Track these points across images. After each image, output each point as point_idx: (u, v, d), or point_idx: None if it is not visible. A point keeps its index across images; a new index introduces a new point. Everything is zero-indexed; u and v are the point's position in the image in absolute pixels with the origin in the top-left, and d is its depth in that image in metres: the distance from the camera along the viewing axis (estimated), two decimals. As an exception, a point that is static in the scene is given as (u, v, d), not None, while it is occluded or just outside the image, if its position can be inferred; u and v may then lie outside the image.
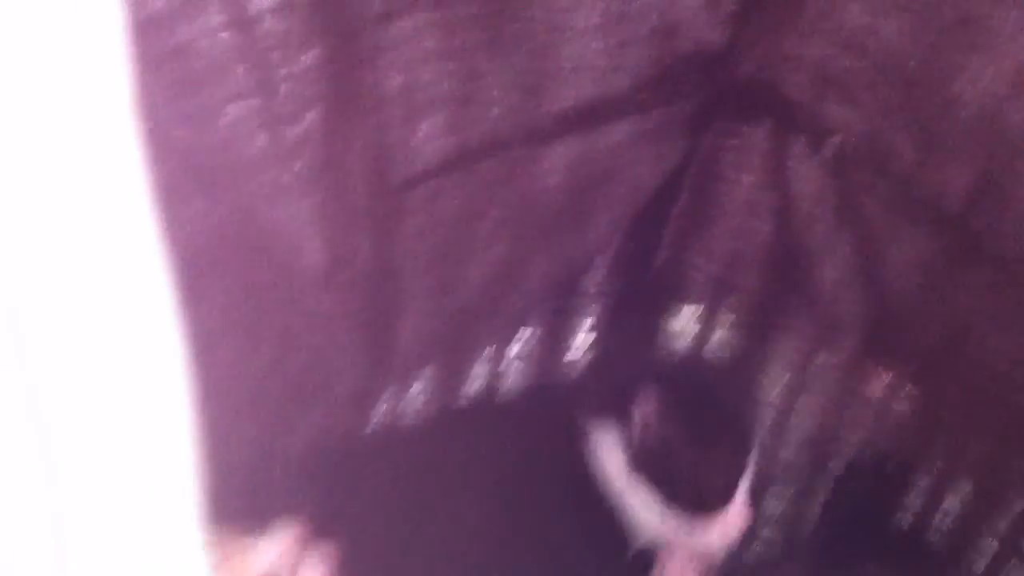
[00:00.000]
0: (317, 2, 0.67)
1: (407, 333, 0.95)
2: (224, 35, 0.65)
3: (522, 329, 1.09)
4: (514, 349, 1.11)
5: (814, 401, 1.14)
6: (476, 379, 1.06)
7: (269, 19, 0.66)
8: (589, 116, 0.84)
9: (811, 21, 0.80)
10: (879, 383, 1.09)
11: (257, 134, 0.73)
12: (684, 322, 1.17)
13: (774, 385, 1.17)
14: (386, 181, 0.82)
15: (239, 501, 0.84)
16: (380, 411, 0.99)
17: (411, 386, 1.03)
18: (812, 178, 0.96)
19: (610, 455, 0.87)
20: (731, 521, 0.83)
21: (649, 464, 0.85)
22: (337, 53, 0.71)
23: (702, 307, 1.13)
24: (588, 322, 1.12)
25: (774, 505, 1.12)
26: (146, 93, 0.45)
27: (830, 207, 0.98)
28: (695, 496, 0.83)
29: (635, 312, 1.14)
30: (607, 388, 0.91)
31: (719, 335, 1.17)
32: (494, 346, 1.06)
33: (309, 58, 0.70)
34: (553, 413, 0.93)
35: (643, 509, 0.86)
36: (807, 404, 1.15)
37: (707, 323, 1.15)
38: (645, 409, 0.84)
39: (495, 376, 1.06)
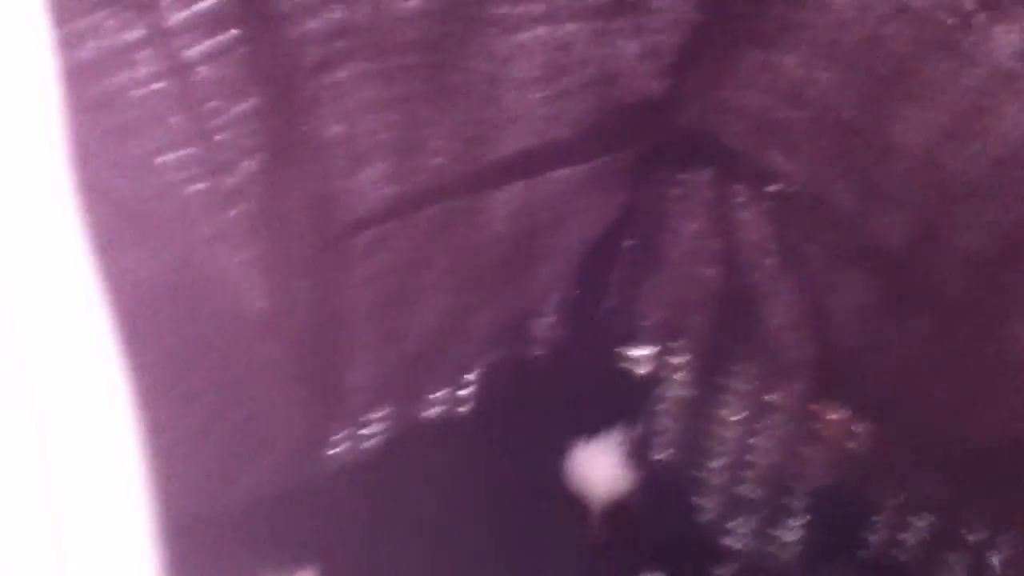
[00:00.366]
0: (252, 51, 0.67)
1: (355, 381, 0.95)
2: (157, 84, 0.65)
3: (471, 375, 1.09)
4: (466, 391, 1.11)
5: (769, 440, 1.15)
6: (432, 410, 1.07)
7: (203, 68, 0.66)
8: (531, 165, 0.85)
9: (749, 73, 0.81)
10: (832, 422, 1.11)
11: (194, 182, 0.72)
12: (635, 363, 1.18)
13: (729, 424, 1.18)
14: (328, 229, 0.81)
15: (193, 550, 0.83)
16: (332, 453, 0.99)
17: (362, 428, 1.03)
18: (755, 225, 0.97)
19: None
20: None
21: None
22: (274, 102, 0.71)
23: (653, 349, 1.14)
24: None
25: (733, 541, 1.13)
26: (80, 142, 0.45)
27: (774, 253, 0.99)
28: None
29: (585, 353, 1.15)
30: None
31: (672, 375, 1.18)
32: (445, 389, 1.06)
33: (245, 107, 0.70)
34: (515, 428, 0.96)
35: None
36: (763, 442, 1.16)
37: (659, 364, 1.16)
38: None
39: (453, 403, 1.07)
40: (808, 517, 1.11)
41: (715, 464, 1.18)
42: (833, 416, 1.10)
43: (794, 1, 0.78)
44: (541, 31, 0.76)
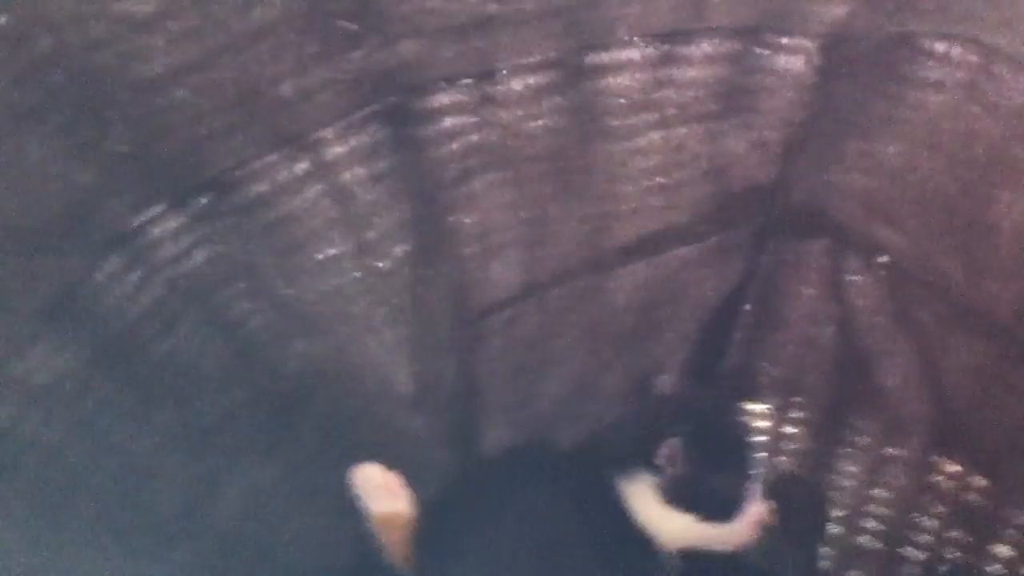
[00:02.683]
0: (401, 171, 0.77)
1: (489, 442, 1.03)
2: (321, 206, 0.75)
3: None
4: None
5: (885, 492, 1.18)
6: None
7: (359, 189, 0.76)
8: (650, 247, 0.92)
9: (852, 159, 0.87)
10: (946, 475, 1.13)
11: (351, 272, 0.82)
12: (755, 417, 1.23)
13: (846, 477, 1.22)
14: (466, 313, 0.91)
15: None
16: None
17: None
18: (868, 292, 1.02)
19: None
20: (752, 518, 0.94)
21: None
22: (419, 210, 0.80)
23: (771, 405, 1.19)
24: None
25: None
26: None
27: (887, 318, 1.03)
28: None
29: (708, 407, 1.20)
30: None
31: (790, 430, 1.22)
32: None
33: (395, 215, 0.80)
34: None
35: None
36: (879, 495, 1.19)
37: (778, 419, 1.20)
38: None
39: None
40: (925, 567, 1.14)
41: (835, 514, 1.23)
42: (950, 470, 1.13)
43: (894, 99, 0.83)
44: (655, 135, 0.83)
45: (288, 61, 0.57)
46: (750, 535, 0.98)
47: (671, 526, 0.97)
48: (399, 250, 0.82)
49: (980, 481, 1.11)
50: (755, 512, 0.98)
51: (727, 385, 1.18)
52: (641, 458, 1.00)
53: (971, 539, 1.12)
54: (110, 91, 0.52)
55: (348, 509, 0.92)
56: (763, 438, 1.24)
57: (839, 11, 0.71)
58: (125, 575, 0.78)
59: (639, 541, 1.00)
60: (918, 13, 0.72)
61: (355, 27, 0.57)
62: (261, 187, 0.71)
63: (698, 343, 1.13)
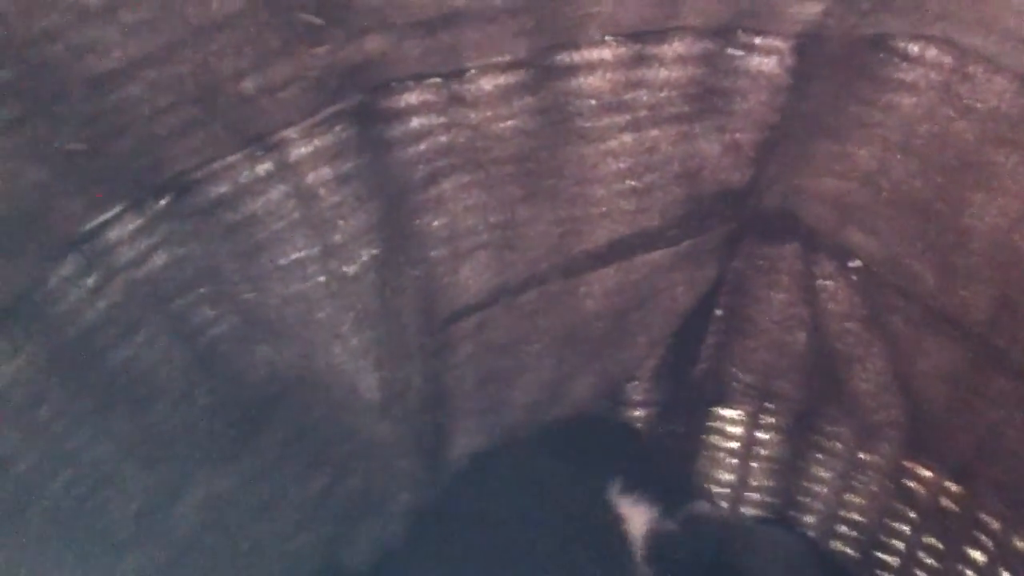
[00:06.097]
0: (368, 172, 0.75)
1: (457, 449, 1.02)
2: (285, 208, 0.73)
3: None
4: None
5: (858, 498, 1.18)
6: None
7: (324, 190, 0.74)
8: (622, 251, 0.91)
9: (825, 162, 0.86)
10: (921, 482, 1.13)
11: (316, 276, 0.80)
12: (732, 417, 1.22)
13: (819, 483, 1.22)
14: (435, 318, 0.89)
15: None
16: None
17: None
18: (840, 297, 1.01)
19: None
20: None
21: None
22: (387, 212, 0.79)
23: (744, 411, 1.19)
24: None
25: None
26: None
27: (859, 322, 1.03)
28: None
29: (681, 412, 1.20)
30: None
31: (763, 436, 1.22)
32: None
33: (362, 218, 0.78)
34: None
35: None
36: (853, 500, 1.19)
37: (751, 425, 1.20)
38: None
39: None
40: (900, 573, 1.14)
41: (808, 520, 1.22)
42: (923, 475, 1.13)
43: (867, 101, 0.82)
44: (627, 137, 0.82)
45: (249, 56, 0.55)
46: None
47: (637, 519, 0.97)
48: (366, 254, 0.80)
49: (954, 487, 1.11)
50: None
51: (699, 391, 1.18)
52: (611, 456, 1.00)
53: (946, 545, 1.12)
54: (61, 86, 0.50)
55: (310, 519, 0.90)
56: (735, 444, 1.24)
57: (813, 10, 0.70)
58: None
59: (608, 543, 0.99)
60: (894, 12, 0.71)
61: (319, 20, 0.55)
62: (222, 188, 0.69)
63: (670, 349, 1.12)
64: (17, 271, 0.60)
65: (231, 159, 0.68)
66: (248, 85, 0.59)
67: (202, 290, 0.72)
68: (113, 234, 0.66)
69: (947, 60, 0.76)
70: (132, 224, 0.66)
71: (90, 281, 0.66)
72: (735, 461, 1.25)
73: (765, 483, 1.25)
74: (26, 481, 0.66)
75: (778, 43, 0.77)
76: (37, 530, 0.68)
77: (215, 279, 0.72)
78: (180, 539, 0.82)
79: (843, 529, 1.21)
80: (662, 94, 0.79)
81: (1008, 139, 0.78)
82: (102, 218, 0.64)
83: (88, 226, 0.64)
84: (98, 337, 0.68)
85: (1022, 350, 0.92)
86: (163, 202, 0.67)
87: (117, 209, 0.65)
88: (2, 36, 0.46)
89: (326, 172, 0.73)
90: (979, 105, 0.78)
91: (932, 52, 0.76)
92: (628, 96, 0.78)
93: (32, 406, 0.65)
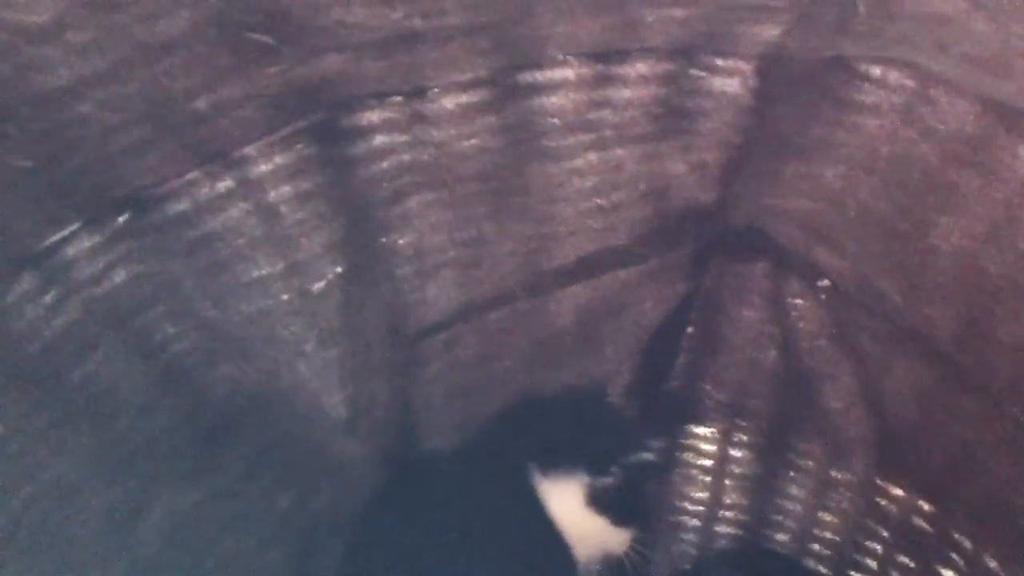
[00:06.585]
0: (330, 190, 0.75)
1: (425, 467, 1.02)
2: (246, 226, 0.73)
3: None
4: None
5: (830, 516, 1.18)
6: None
7: (286, 207, 0.75)
8: (590, 269, 0.91)
9: (792, 182, 0.86)
10: (893, 500, 1.13)
11: (279, 294, 0.80)
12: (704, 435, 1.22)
13: (792, 501, 1.22)
14: (402, 335, 0.89)
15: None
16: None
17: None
18: (810, 315, 1.01)
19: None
20: None
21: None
22: (351, 229, 0.79)
23: (716, 429, 1.19)
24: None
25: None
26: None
27: (829, 340, 1.03)
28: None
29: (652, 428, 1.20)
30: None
31: (736, 454, 1.22)
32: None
33: (325, 235, 0.78)
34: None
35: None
36: (825, 519, 1.19)
37: (723, 443, 1.20)
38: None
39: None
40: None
41: (781, 538, 1.22)
42: (894, 493, 1.13)
43: (831, 122, 0.83)
44: (592, 156, 0.82)
45: (200, 74, 0.55)
46: None
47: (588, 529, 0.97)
48: (330, 271, 0.80)
49: (926, 505, 1.11)
50: None
51: (671, 408, 1.18)
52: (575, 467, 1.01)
53: (918, 564, 1.12)
54: (8, 104, 0.50)
55: (276, 535, 0.90)
56: (708, 462, 1.24)
57: (772, 32, 0.71)
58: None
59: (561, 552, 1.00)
60: (853, 36, 0.71)
61: (270, 40, 0.55)
62: (181, 205, 0.69)
63: (641, 365, 1.12)
64: (-29, 289, 0.60)
65: (189, 176, 0.68)
66: (200, 104, 0.59)
67: (162, 307, 0.72)
68: (71, 251, 0.66)
69: (909, 83, 0.77)
70: (90, 241, 0.66)
71: (48, 298, 0.66)
72: (708, 479, 1.25)
73: (738, 501, 1.24)
74: (-16, 497, 0.66)
75: (740, 64, 0.77)
76: (-1, 549, 0.68)
77: (176, 296, 0.72)
78: (144, 556, 0.81)
79: (816, 547, 1.21)
80: (627, 114, 0.79)
81: (970, 161, 0.79)
82: (59, 235, 0.64)
83: (45, 243, 0.64)
84: (56, 354, 0.68)
85: (988, 370, 0.92)
86: (121, 219, 0.67)
87: (74, 226, 0.64)
88: (-55, 56, 0.46)
89: (287, 190, 0.73)
90: (941, 127, 0.78)
91: (894, 75, 0.77)
92: (592, 115, 0.79)
93: (-12, 423, 0.65)
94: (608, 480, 1.15)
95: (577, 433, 1.16)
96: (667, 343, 1.10)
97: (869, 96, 0.79)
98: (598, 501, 1.05)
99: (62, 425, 0.71)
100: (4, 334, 0.64)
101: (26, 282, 0.64)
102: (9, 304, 0.64)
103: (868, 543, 1.17)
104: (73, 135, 0.54)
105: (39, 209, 0.58)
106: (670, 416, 1.20)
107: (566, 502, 1.04)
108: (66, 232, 0.63)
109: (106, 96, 0.53)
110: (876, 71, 0.77)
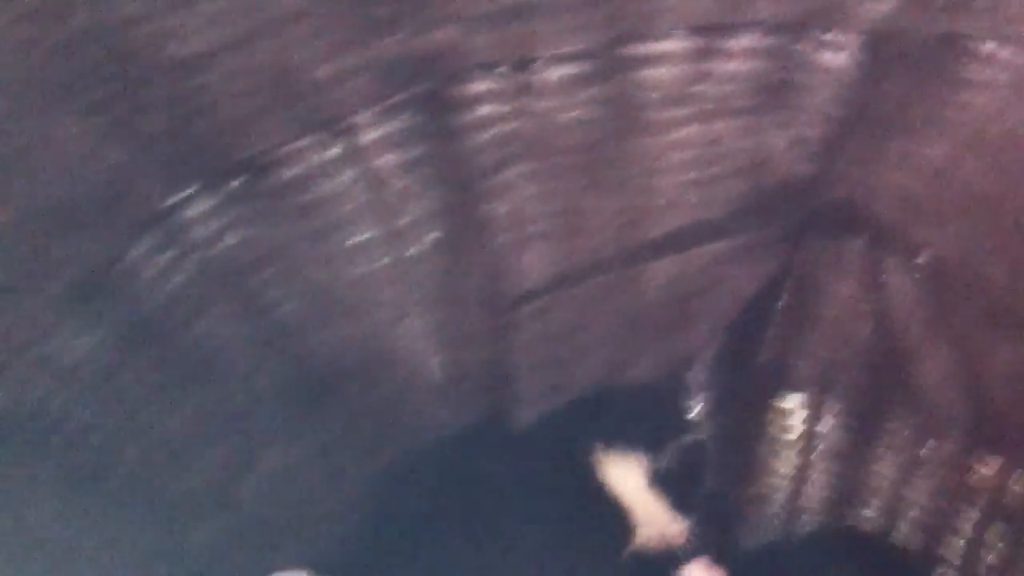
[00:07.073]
0: (434, 158, 0.77)
1: (520, 430, 1.03)
2: (353, 191, 0.75)
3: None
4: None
5: (920, 491, 1.17)
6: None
7: (391, 177, 0.76)
8: (684, 242, 0.91)
9: (895, 159, 0.85)
10: (984, 477, 1.12)
11: (380, 258, 0.82)
12: (792, 409, 1.22)
13: (880, 476, 1.21)
14: (497, 303, 0.90)
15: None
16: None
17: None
18: (906, 292, 1.00)
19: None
20: None
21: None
22: (453, 198, 0.80)
23: (804, 403, 1.18)
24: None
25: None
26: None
27: (924, 319, 1.02)
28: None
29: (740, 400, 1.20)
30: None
31: (822, 429, 1.21)
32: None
33: (428, 203, 0.80)
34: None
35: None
36: (913, 494, 1.18)
37: (810, 417, 1.19)
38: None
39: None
40: (962, 566, 1.13)
41: (867, 513, 1.21)
42: (986, 470, 1.11)
43: (938, 99, 0.82)
44: (691, 129, 0.82)
45: (323, 45, 0.57)
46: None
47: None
48: (430, 238, 0.81)
49: (1017, 481, 1.10)
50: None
51: (760, 380, 1.18)
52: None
53: (1008, 539, 1.11)
54: (144, 70, 0.52)
55: (370, 495, 0.92)
56: (793, 436, 1.23)
57: (885, 7, 0.70)
58: (158, 545, 0.79)
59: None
60: (970, 12, 0.70)
61: (390, 11, 0.56)
62: (294, 171, 0.71)
63: (731, 337, 1.12)
64: (97, 247, 0.62)
65: (303, 143, 0.70)
66: (320, 73, 0.61)
67: (272, 269, 0.75)
68: (188, 213, 0.68)
69: (1020, 60, 0.75)
70: (207, 204, 0.68)
71: (165, 258, 0.68)
72: (793, 452, 1.25)
73: (825, 475, 1.24)
74: (102, 450, 0.69)
75: (849, 39, 0.76)
76: (116, 497, 0.71)
77: (284, 259, 0.74)
78: (251, 509, 0.84)
79: (903, 523, 1.20)
80: (728, 87, 0.79)
81: (1083, 140, 0.77)
82: (179, 197, 0.66)
83: (164, 205, 0.66)
84: (172, 313, 0.71)
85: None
86: (236, 183, 0.69)
87: (193, 189, 0.67)
88: (90, 21, 0.48)
89: (393, 158, 0.75)
90: (1052, 105, 0.77)
91: (1005, 52, 0.75)
92: (694, 89, 0.79)
93: (107, 378, 0.68)
94: (672, 464, 1.16)
95: (665, 403, 1.16)
96: (758, 318, 1.10)
97: (979, 74, 0.78)
98: (663, 481, 1.06)
99: (176, 383, 0.74)
100: (123, 293, 0.67)
101: (146, 243, 0.67)
102: (129, 264, 0.66)
103: (957, 521, 1.16)
104: (201, 102, 0.56)
105: (163, 172, 0.60)
106: (758, 390, 1.20)
107: (632, 479, 1.04)
108: (185, 194, 0.66)
109: (235, 64, 0.55)
110: (987, 48, 0.76)
